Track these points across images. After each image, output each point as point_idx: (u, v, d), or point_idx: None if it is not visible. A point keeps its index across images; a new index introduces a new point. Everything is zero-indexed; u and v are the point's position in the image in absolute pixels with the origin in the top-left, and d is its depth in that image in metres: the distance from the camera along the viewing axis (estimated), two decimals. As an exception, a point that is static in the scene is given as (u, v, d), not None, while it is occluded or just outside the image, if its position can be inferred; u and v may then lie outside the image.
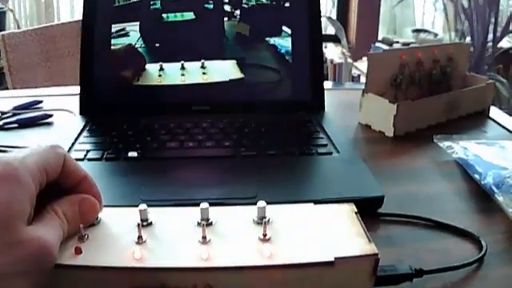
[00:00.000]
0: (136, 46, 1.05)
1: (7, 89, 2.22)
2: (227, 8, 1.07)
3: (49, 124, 1.10)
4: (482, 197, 0.80)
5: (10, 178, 0.44)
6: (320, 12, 1.07)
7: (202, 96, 1.06)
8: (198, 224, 0.53)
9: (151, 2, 1.06)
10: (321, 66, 1.09)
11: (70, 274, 0.47)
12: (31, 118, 1.10)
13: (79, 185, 0.53)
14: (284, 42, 1.07)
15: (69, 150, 0.86)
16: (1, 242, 0.41)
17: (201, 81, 1.06)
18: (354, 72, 3.72)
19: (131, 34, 1.05)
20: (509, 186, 0.77)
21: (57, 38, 2.39)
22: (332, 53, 3.82)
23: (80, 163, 0.78)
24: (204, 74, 1.06)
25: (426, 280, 0.57)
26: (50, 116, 1.11)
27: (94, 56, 1.04)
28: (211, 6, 1.07)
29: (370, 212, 0.70)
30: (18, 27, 3.75)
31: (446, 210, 0.75)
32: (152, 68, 1.06)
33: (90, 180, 0.54)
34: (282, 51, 1.07)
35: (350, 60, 3.71)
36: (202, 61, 1.06)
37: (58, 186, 0.51)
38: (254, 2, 1.07)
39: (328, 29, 3.94)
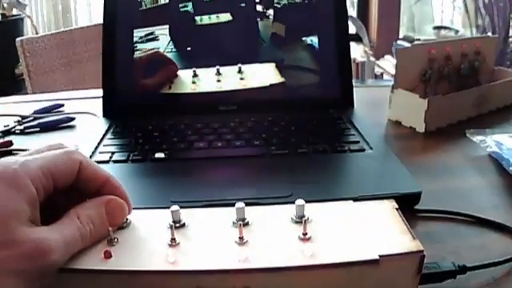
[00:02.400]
0: (166, 51, 1.02)
1: (27, 94, 2.21)
2: (259, 8, 1.04)
3: (71, 127, 1.09)
4: (517, 190, 0.78)
5: (7, 180, 0.45)
6: (346, 9, 1.05)
7: (232, 97, 1.03)
8: (234, 224, 0.51)
9: (181, 5, 1.02)
10: (349, 62, 1.06)
11: (99, 279, 0.46)
12: (53, 122, 1.09)
13: (102, 189, 0.52)
14: (317, 41, 1.04)
15: (93, 153, 0.85)
16: None
17: (239, 87, 1.02)
18: (377, 70, 3.70)
19: (160, 38, 1.02)
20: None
21: (76, 42, 2.39)
22: (354, 51, 3.80)
23: (105, 166, 0.78)
24: (242, 79, 1.02)
25: (469, 276, 0.56)
26: (73, 119, 1.10)
27: (117, 60, 1.02)
28: (244, 6, 1.03)
29: (407, 208, 0.68)
30: (36, 33, 3.76)
31: (482, 205, 0.73)
32: (185, 74, 1.03)
33: (113, 182, 0.53)
34: (318, 50, 1.04)
35: (372, 58, 3.69)
36: (239, 65, 1.03)
37: (81, 191, 0.51)
38: (285, 1, 1.04)
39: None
